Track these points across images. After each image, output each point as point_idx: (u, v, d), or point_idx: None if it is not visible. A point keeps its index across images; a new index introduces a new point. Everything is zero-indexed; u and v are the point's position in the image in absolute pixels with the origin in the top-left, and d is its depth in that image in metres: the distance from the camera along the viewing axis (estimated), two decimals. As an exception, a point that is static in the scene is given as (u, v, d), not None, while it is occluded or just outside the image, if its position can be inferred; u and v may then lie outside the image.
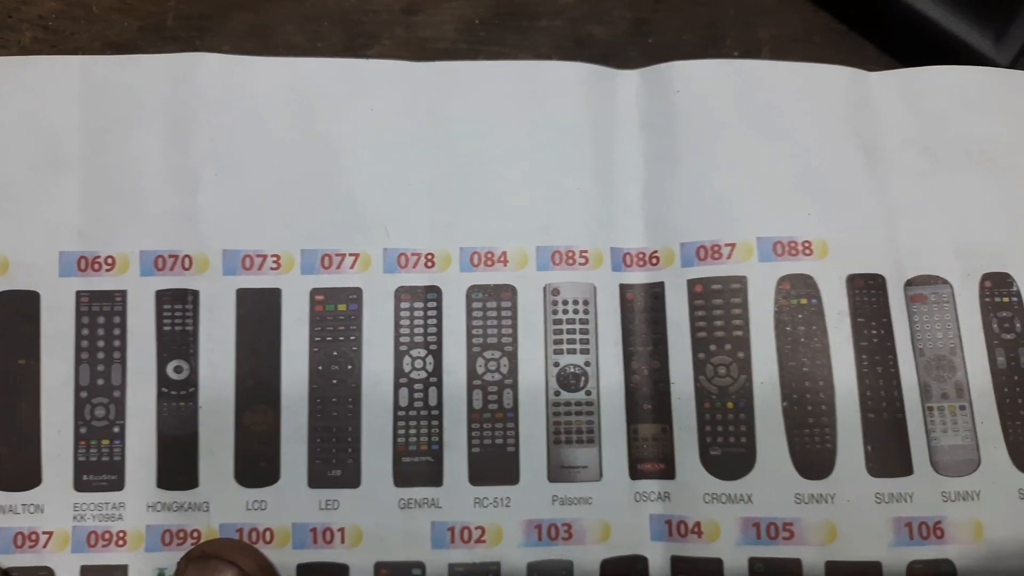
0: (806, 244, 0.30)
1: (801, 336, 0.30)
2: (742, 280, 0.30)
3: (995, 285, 0.31)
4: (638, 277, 0.31)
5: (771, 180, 0.31)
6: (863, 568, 0.28)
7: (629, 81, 0.32)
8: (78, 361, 0.29)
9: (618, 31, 0.35)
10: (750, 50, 0.35)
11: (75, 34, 0.34)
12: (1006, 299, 0.30)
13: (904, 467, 0.29)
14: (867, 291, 0.30)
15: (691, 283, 0.30)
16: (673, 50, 0.34)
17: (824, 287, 0.30)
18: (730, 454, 0.29)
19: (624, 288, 0.31)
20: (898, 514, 0.29)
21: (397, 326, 0.30)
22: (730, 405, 0.29)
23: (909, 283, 0.30)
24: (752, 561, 0.28)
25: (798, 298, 0.30)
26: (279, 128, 0.31)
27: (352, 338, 0.30)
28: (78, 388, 0.29)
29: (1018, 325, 0.30)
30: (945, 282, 0.30)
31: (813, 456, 0.29)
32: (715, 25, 0.35)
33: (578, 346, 0.30)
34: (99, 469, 0.29)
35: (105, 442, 0.29)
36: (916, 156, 0.31)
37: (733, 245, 0.30)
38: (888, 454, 0.29)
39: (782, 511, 0.29)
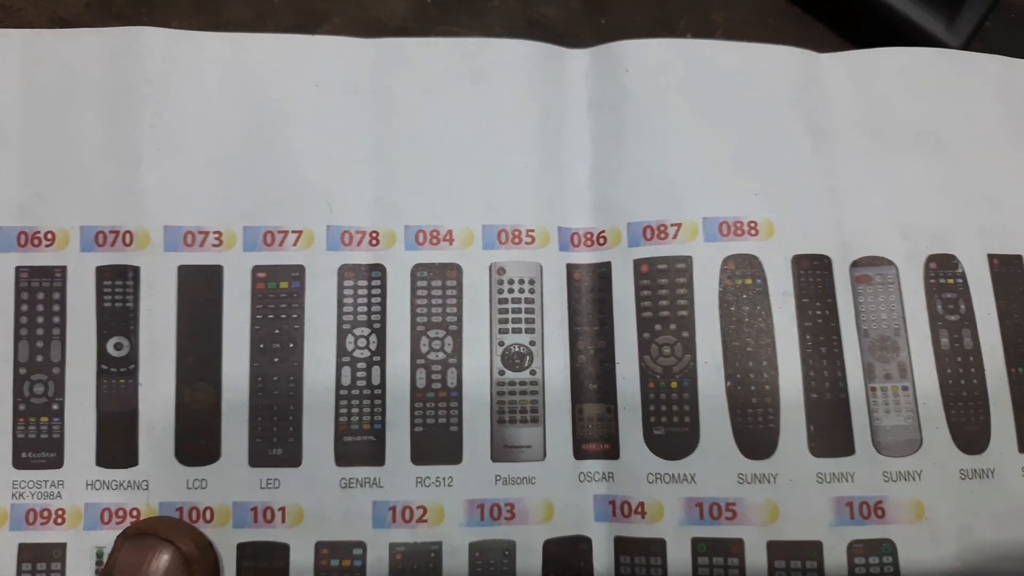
0: (752, 224, 0.30)
1: (745, 316, 0.30)
2: (687, 260, 0.30)
3: (940, 267, 0.31)
4: (585, 257, 0.31)
5: (718, 160, 0.31)
6: (804, 547, 0.28)
7: (578, 60, 0.32)
8: (17, 337, 0.29)
9: (571, 11, 0.35)
10: (703, 31, 0.35)
11: (22, 10, 0.34)
12: (951, 280, 0.30)
13: (846, 447, 0.29)
14: (812, 272, 0.30)
15: (637, 263, 0.30)
16: (626, 31, 0.34)
17: (769, 267, 0.30)
18: (674, 434, 0.29)
19: (571, 268, 0.31)
20: (839, 494, 0.29)
21: (340, 304, 0.30)
22: (674, 385, 0.29)
23: (855, 264, 0.30)
24: (695, 541, 0.28)
25: (743, 278, 0.30)
26: (222, 104, 0.30)
27: (294, 316, 0.29)
28: (17, 364, 0.29)
29: (962, 306, 0.30)
30: (890, 263, 0.30)
31: (756, 436, 0.29)
32: (669, 6, 0.35)
33: (523, 326, 0.30)
34: (38, 446, 0.29)
35: (44, 419, 0.29)
36: (864, 137, 0.31)
37: (679, 225, 0.30)
38: (830, 434, 0.29)
39: (725, 491, 0.29)
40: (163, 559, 0.26)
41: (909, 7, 0.33)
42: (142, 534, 0.26)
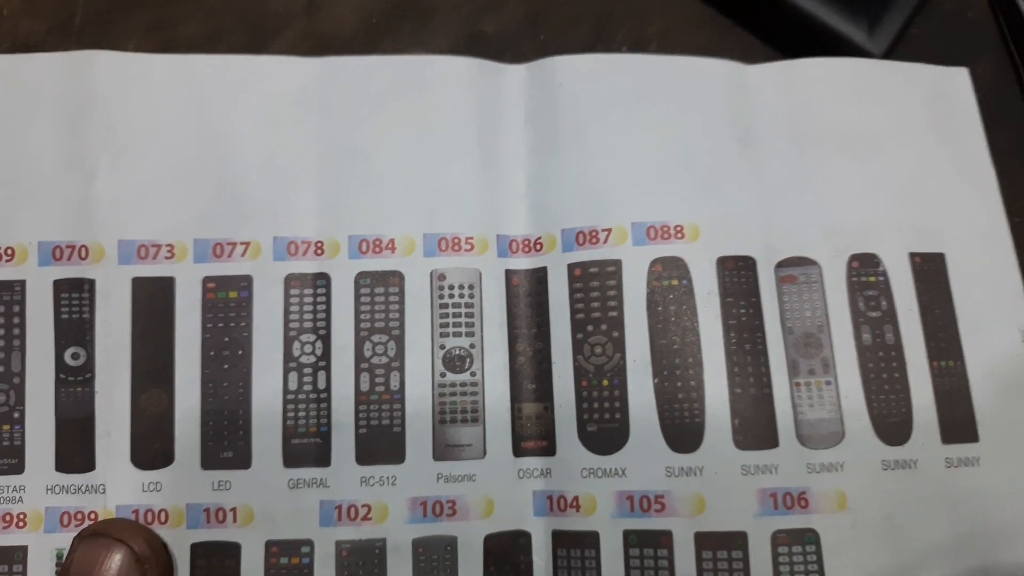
0: (678, 228, 0.31)
1: (672, 316, 0.31)
2: (617, 263, 0.31)
3: (862, 265, 0.32)
4: (523, 263, 0.32)
5: (646, 168, 0.32)
6: (729, 538, 0.29)
7: (515, 75, 0.33)
8: (-21, 350, 0.30)
9: (511, 26, 0.36)
10: (639, 43, 0.36)
11: (-15, 36, 0.35)
12: (872, 278, 0.32)
13: (770, 440, 0.30)
14: (737, 272, 0.31)
15: (571, 267, 0.31)
16: (565, 45, 0.35)
17: (695, 268, 0.31)
18: (605, 430, 0.30)
19: (510, 273, 0.32)
20: (764, 485, 0.30)
21: (287, 312, 0.31)
22: (605, 383, 0.31)
23: (779, 264, 0.32)
24: (626, 533, 0.30)
25: (669, 279, 0.31)
26: (173, 122, 0.32)
27: (243, 324, 0.31)
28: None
29: (884, 303, 0.32)
30: (814, 263, 0.32)
31: (682, 430, 0.30)
32: (606, 21, 0.36)
33: (464, 329, 0.31)
34: (0, 453, 0.30)
35: (6, 427, 0.30)
36: (789, 143, 0.33)
37: (609, 230, 0.31)
38: (755, 428, 0.30)
39: (654, 484, 0.30)
40: (116, 558, 0.27)
41: (832, 17, 0.34)
42: (96, 535, 0.27)
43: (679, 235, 0.31)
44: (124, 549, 0.27)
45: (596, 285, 0.31)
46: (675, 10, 0.37)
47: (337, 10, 0.36)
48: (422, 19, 0.36)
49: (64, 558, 0.28)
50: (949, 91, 0.34)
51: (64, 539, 0.29)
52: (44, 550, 0.30)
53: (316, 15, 0.36)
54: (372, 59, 0.33)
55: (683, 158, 0.32)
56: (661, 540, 0.30)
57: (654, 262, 0.31)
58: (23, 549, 0.29)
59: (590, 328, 0.31)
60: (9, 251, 0.31)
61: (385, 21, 0.36)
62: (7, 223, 0.31)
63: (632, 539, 0.30)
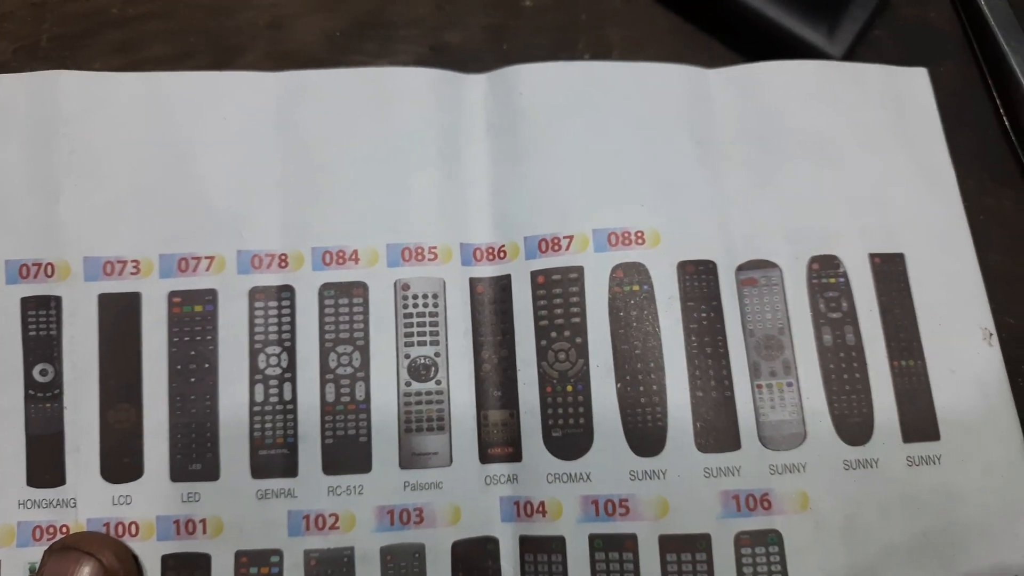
0: (639, 234, 0.32)
1: (633, 321, 0.31)
2: (579, 270, 0.31)
3: (822, 267, 0.32)
4: (487, 271, 0.32)
5: (607, 175, 0.32)
6: (693, 540, 0.30)
7: (476, 85, 0.34)
8: (-52, 369, 0.31)
9: (474, 38, 0.36)
10: (602, 52, 0.36)
11: (-48, 57, 0.36)
12: (832, 280, 0.32)
13: (732, 442, 0.30)
14: (697, 276, 0.32)
15: (534, 274, 0.32)
16: (527, 54, 0.36)
17: (656, 273, 0.31)
18: (570, 435, 0.31)
19: (474, 282, 0.32)
20: (726, 487, 0.30)
21: (252, 325, 0.31)
22: (569, 388, 0.31)
23: (740, 268, 0.32)
24: (592, 538, 0.30)
25: (630, 285, 0.31)
26: (136, 139, 0.32)
27: (208, 338, 0.31)
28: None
29: (844, 304, 0.32)
30: (774, 266, 0.32)
31: (645, 434, 0.30)
32: (568, 29, 0.37)
33: (428, 338, 0.32)
34: (-33, 470, 0.30)
35: (-26, 444, 0.30)
36: (749, 147, 0.33)
37: (571, 237, 0.32)
38: (716, 430, 0.31)
39: (618, 488, 0.30)
40: (85, 571, 0.27)
41: (791, 21, 0.34)
42: (67, 548, 0.28)
43: (640, 241, 0.32)
44: (93, 562, 0.27)
45: (559, 292, 0.31)
46: (638, 17, 0.37)
47: (300, 27, 0.36)
48: (386, 33, 0.36)
49: (35, 572, 0.29)
50: (908, 92, 0.34)
51: (36, 553, 0.30)
52: (17, 564, 0.30)
53: (280, 33, 0.36)
54: (333, 72, 0.34)
55: (644, 164, 0.32)
56: (626, 544, 0.30)
57: (615, 268, 0.31)
58: None
59: (553, 335, 0.31)
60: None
61: (348, 37, 0.36)
62: (-27, 242, 0.31)
63: (598, 543, 0.30)
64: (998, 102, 0.36)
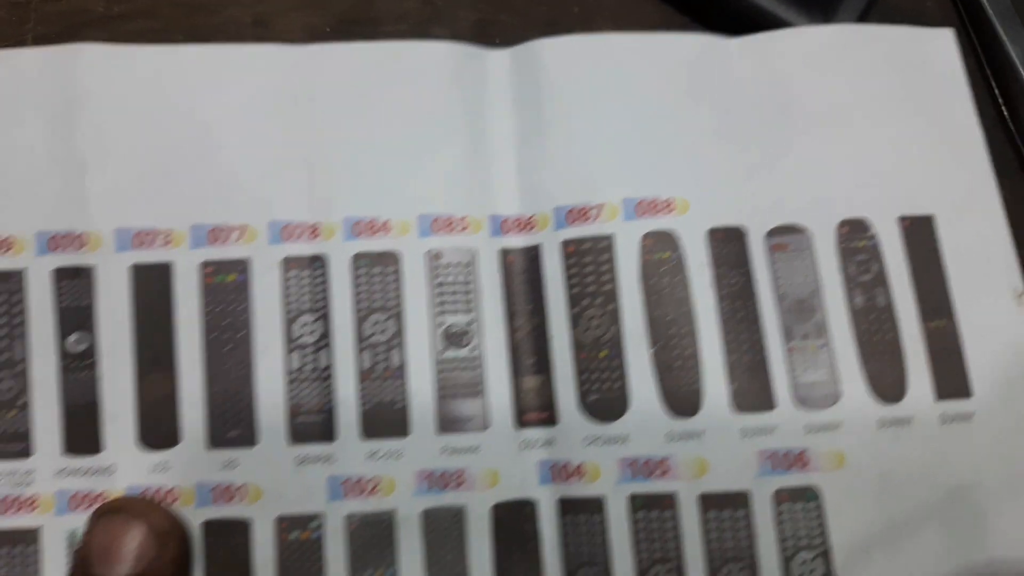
0: (667, 202, 0.32)
1: (665, 287, 0.31)
2: (609, 238, 0.32)
3: (851, 231, 0.32)
4: (516, 241, 0.32)
5: (634, 145, 0.33)
6: (732, 498, 0.30)
7: (499, 59, 0.34)
8: (-16, 339, 0.31)
9: (463, 32, 0.36)
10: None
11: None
12: (862, 243, 0.32)
13: (767, 403, 0.31)
14: (727, 243, 0.32)
15: (564, 244, 0.32)
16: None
17: (686, 241, 0.32)
18: (605, 399, 0.31)
19: (504, 252, 0.32)
20: (763, 446, 0.30)
21: (285, 294, 0.31)
22: (603, 354, 0.31)
23: (770, 233, 0.32)
24: (631, 498, 0.30)
25: (661, 252, 0.32)
26: (159, 110, 0.32)
27: (242, 307, 0.31)
28: (-18, 362, 0.31)
29: (874, 267, 0.32)
30: (803, 230, 0.32)
31: (681, 396, 0.31)
32: (557, 23, 0.37)
33: (461, 306, 0.32)
34: (7, 439, 0.30)
35: (12, 413, 0.30)
36: (773, 114, 0.33)
37: (600, 207, 0.32)
38: (751, 391, 0.31)
39: (656, 449, 0.30)
40: (134, 534, 0.27)
41: (787, 12, 0.35)
42: (114, 511, 0.27)
43: (669, 209, 0.32)
44: (142, 525, 0.27)
45: (589, 260, 0.32)
46: (631, 10, 0.37)
47: (284, 24, 0.36)
48: (372, 28, 0.36)
49: (79, 538, 0.29)
50: (933, 53, 0.35)
51: (75, 520, 0.30)
52: (56, 532, 0.30)
53: (264, 30, 0.36)
54: (351, 46, 0.34)
55: (670, 133, 0.33)
56: (666, 502, 0.30)
57: (645, 236, 0.32)
58: (36, 531, 0.30)
59: (585, 302, 0.31)
60: (7, 242, 0.31)
61: (333, 33, 0.36)
62: (3, 215, 0.31)
63: (638, 503, 0.30)
64: (996, 92, 0.36)
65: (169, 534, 0.27)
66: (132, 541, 0.26)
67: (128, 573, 0.25)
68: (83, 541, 0.27)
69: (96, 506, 0.30)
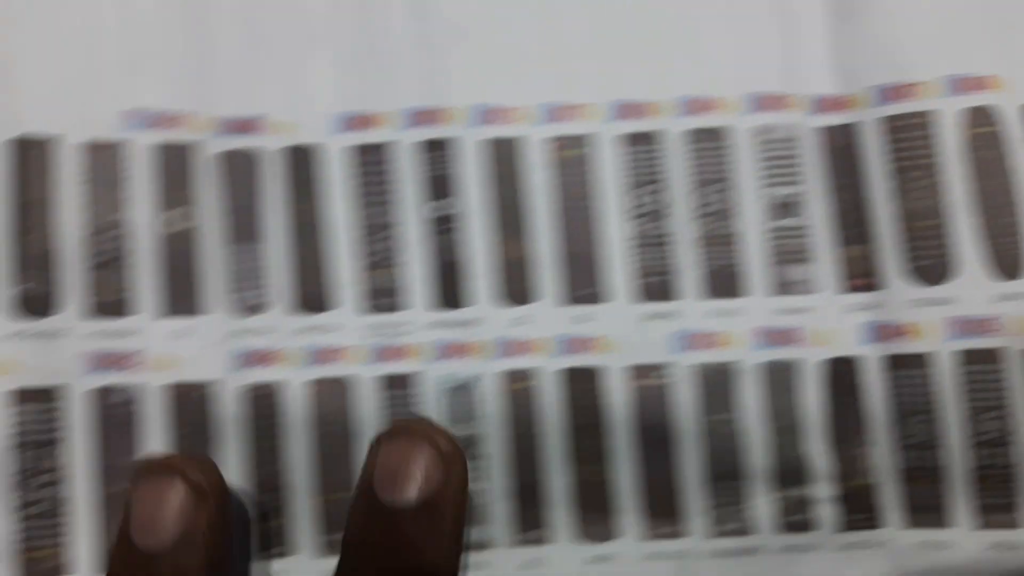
0: (985, 79, 0.34)
1: (986, 160, 0.34)
2: (930, 115, 0.34)
3: None
4: (834, 119, 0.35)
5: (951, 21, 0.35)
6: (1058, 351, 0.32)
7: None
8: (361, 205, 0.34)
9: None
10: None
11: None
12: None
13: None
14: (1041, 118, 0.34)
15: (884, 120, 0.34)
16: None
17: (1003, 116, 0.34)
18: (930, 265, 0.33)
19: (822, 129, 0.35)
20: (1090, 306, 0.32)
21: (623, 168, 0.34)
22: (929, 223, 0.33)
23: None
24: (959, 353, 0.32)
25: (980, 127, 0.34)
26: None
27: (585, 179, 0.34)
28: (359, 226, 0.34)
29: None
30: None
31: (1008, 258, 0.33)
32: None
33: (787, 179, 0.34)
34: (384, 294, 0.33)
35: (388, 271, 0.34)
36: None
37: (918, 84, 0.34)
38: (1075, 253, 0.33)
39: (983, 309, 0.33)
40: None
41: None
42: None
43: (987, 86, 0.34)
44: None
45: (910, 136, 0.34)
46: None
47: None
48: None
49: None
50: None
51: (448, 366, 0.33)
52: (431, 376, 0.33)
53: None
54: None
55: (983, 9, 0.35)
56: (993, 356, 0.32)
57: (965, 111, 0.34)
58: (412, 376, 0.33)
59: (908, 175, 0.34)
60: (376, 118, 0.34)
61: None
62: (373, 95, 0.35)
63: (966, 357, 0.32)
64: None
65: (454, 456, 0.24)
66: (419, 463, 0.24)
67: (415, 496, 0.23)
68: (367, 464, 0.24)
69: (463, 356, 0.33)
